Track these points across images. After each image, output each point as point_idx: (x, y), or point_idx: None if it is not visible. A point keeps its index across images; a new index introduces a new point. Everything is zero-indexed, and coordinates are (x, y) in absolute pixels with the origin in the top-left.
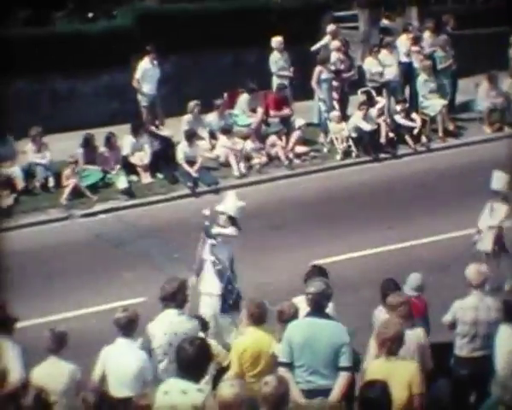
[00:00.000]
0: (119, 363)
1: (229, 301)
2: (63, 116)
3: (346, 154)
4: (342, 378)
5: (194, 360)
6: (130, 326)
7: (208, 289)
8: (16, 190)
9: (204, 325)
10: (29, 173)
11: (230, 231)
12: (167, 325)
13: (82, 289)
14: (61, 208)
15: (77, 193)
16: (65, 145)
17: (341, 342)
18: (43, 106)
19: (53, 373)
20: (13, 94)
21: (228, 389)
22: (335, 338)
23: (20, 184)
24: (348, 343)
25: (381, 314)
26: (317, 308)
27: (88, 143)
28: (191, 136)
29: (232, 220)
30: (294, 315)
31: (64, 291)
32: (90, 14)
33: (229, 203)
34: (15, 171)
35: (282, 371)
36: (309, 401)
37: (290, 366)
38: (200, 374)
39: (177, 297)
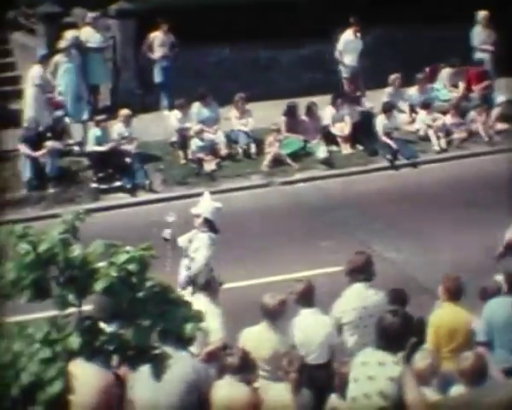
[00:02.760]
0: (307, 332)
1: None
2: (265, 85)
3: None
4: None
5: (395, 331)
6: (308, 296)
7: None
8: (219, 156)
9: (401, 299)
10: (232, 140)
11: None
12: (356, 300)
13: (278, 255)
14: (261, 175)
15: (278, 161)
16: (266, 113)
17: None
18: (247, 74)
19: (261, 339)
20: (217, 62)
21: (421, 360)
22: None
23: (224, 149)
24: None
25: None
26: None
27: (291, 112)
28: (390, 108)
29: (209, 223)
30: (497, 292)
31: (261, 257)
32: None
33: (205, 205)
34: (219, 136)
35: (480, 350)
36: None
37: (489, 345)
38: (399, 346)
39: (364, 270)
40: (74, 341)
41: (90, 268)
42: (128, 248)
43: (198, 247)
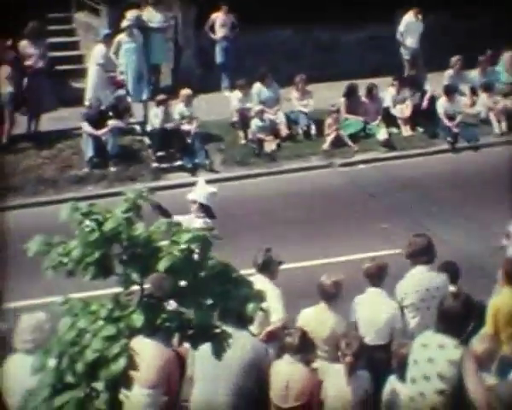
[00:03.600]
0: (370, 312)
1: None
2: (326, 66)
3: None
4: None
5: (456, 314)
6: (379, 276)
7: None
8: (280, 136)
9: (453, 272)
10: (292, 120)
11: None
12: (418, 282)
13: (337, 236)
14: (321, 156)
15: (338, 142)
16: (327, 94)
17: None
18: (308, 55)
19: (319, 319)
20: (278, 43)
21: (480, 344)
22: None
23: (284, 130)
24: None
25: None
26: None
27: (351, 93)
28: (451, 91)
29: (204, 208)
30: None
31: (320, 237)
32: None
33: (200, 190)
34: (279, 117)
35: None
36: None
37: None
38: (460, 329)
39: (426, 253)
40: (137, 318)
41: (154, 247)
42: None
43: None
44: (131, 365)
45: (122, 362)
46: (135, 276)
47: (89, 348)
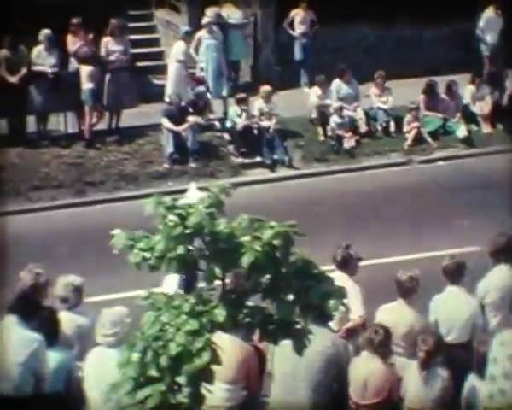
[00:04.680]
0: (451, 310)
1: None
2: (407, 62)
3: None
4: None
5: None
6: (458, 273)
7: None
8: (359, 133)
9: None
10: (371, 117)
11: None
12: (499, 280)
13: (416, 233)
14: (400, 153)
15: (417, 139)
16: (406, 91)
17: None
18: (387, 52)
19: (397, 315)
20: (357, 39)
21: None
22: None
23: (363, 127)
24: None
25: None
26: None
27: (430, 90)
28: None
29: None
30: None
31: (398, 234)
32: None
33: (190, 196)
34: (359, 114)
35: None
36: None
37: None
38: None
39: (507, 252)
40: (220, 313)
41: (236, 242)
42: (272, 223)
43: None
44: (215, 359)
45: (206, 357)
46: (217, 271)
47: (172, 343)
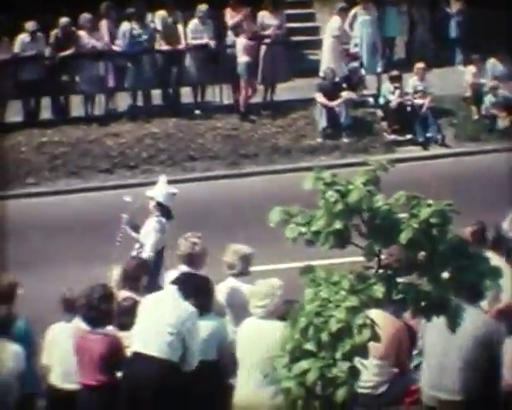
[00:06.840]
0: None
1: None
2: None
3: None
4: None
5: None
6: None
7: None
8: None
9: None
10: None
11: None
12: None
13: None
14: None
15: None
16: None
17: None
18: None
19: None
20: None
21: None
22: None
23: None
24: None
25: None
26: None
27: None
28: None
29: (161, 207)
30: None
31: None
32: None
33: (159, 189)
34: None
35: None
36: None
37: None
38: None
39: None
40: (379, 290)
41: (394, 219)
42: (430, 201)
43: (147, 231)
44: (374, 336)
45: (367, 333)
46: (376, 248)
47: (333, 318)
